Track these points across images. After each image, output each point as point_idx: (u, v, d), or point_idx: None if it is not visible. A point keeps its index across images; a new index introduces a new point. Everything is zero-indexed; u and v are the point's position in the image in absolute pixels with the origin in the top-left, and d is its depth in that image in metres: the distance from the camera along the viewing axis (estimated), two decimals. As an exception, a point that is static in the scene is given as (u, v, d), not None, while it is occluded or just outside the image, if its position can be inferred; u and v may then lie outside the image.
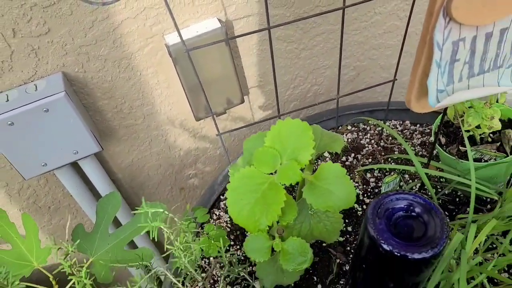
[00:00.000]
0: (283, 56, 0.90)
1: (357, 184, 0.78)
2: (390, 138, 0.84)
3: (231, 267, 0.60)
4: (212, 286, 0.67)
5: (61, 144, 0.76)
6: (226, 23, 0.80)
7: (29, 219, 0.66)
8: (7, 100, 0.71)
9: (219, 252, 0.60)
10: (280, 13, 0.82)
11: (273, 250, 0.61)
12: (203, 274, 0.63)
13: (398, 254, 0.44)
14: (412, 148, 0.81)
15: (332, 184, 0.54)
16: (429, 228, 0.46)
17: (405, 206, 0.47)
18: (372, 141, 0.84)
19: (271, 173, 0.55)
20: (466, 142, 0.60)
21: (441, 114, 0.62)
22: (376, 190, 0.77)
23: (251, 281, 0.63)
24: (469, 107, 0.63)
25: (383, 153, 0.82)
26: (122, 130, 0.87)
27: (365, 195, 0.76)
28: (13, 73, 0.71)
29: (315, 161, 0.83)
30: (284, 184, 0.53)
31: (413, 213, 0.47)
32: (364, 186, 0.77)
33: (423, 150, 0.80)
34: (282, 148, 0.54)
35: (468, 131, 0.64)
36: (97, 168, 0.87)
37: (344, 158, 0.83)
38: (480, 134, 0.66)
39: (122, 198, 0.98)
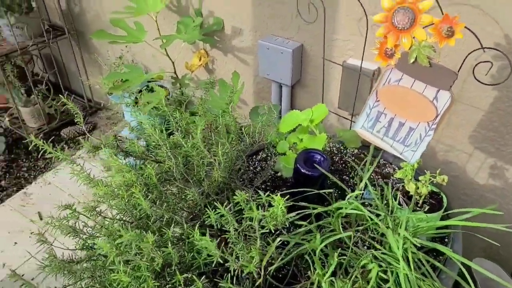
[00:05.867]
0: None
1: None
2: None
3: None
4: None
5: (277, 70, 1.55)
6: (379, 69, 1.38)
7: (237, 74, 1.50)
8: (275, 40, 1.53)
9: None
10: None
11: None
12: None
13: (306, 172, 1.04)
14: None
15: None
16: (322, 165, 1.03)
17: (312, 155, 1.05)
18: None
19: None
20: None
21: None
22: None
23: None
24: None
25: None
26: (311, 83, 1.60)
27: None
28: (288, 32, 1.52)
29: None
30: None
31: (315, 158, 1.05)
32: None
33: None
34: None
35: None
36: (288, 96, 1.64)
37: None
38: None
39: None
